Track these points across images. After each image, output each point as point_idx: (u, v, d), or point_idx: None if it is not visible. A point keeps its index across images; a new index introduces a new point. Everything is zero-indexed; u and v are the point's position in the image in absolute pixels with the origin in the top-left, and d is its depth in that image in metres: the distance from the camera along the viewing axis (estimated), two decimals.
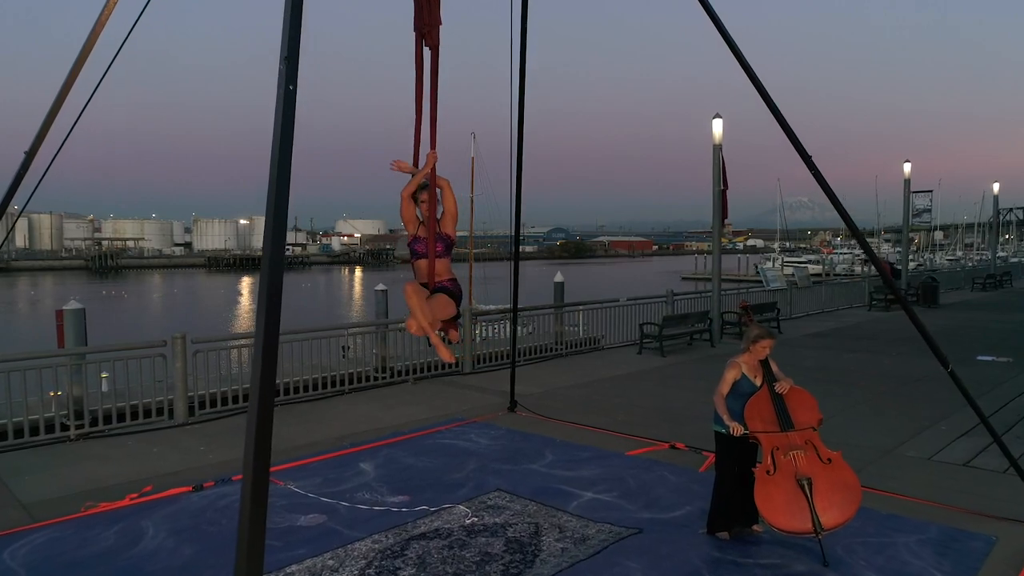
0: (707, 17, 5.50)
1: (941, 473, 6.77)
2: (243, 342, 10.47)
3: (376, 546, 5.23)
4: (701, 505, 5.81)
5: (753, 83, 5.32)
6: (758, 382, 5.23)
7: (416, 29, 4.82)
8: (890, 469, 6.83)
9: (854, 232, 6.23)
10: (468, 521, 5.69)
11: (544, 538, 5.35)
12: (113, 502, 6.12)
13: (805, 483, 4.92)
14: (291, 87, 2.37)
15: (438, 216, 4.84)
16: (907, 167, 25.08)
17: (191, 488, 6.44)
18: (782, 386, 5.16)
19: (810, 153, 5.53)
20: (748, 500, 5.09)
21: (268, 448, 2.72)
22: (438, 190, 4.82)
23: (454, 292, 4.80)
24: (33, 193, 5.42)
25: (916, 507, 5.90)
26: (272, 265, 2.39)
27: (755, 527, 5.35)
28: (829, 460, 5.02)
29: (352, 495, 6.28)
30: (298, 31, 2.35)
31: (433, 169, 4.78)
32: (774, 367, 5.28)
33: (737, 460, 5.26)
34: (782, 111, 5.47)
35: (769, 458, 5.03)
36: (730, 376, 5.28)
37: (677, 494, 6.23)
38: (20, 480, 6.75)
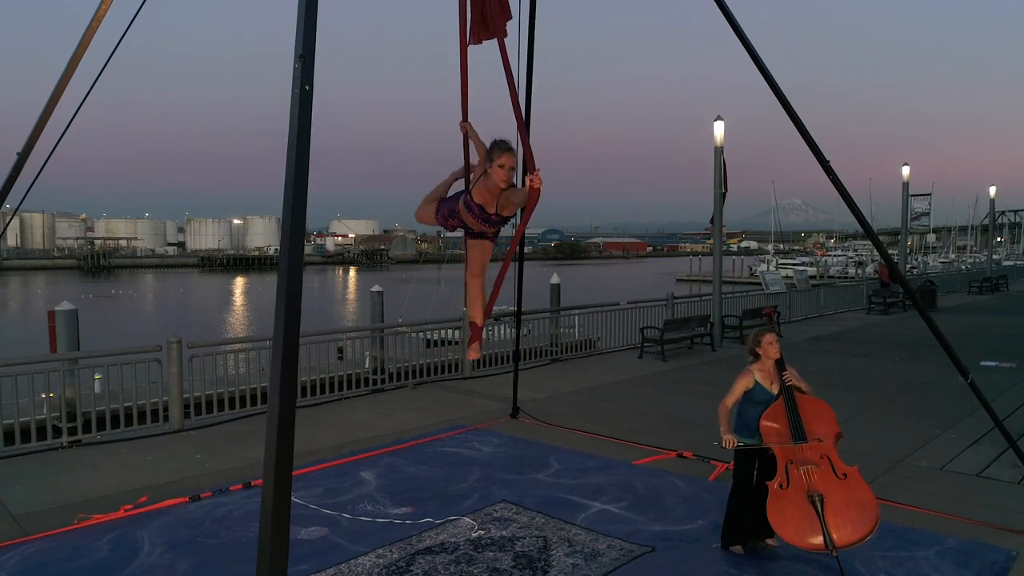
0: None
1: (955, 484, 6.64)
2: (240, 346, 10.28)
3: (380, 561, 5.06)
4: (714, 518, 5.67)
5: (771, 86, 5.19)
6: (774, 390, 5.08)
7: (474, 35, 4.69)
8: (903, 480, 6.70)
9: (873, 240, 6.10)
10: (474, 534, 5.53)
11: (554, 552, 5.19)
12: (107, 514, 5.93)
13: (817, 499, 4.77)
14: (307, 87, 2.19)
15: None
16: (906, 170, 25.05)
17: (187, 499, 6.26)
18: (790, 375, 5.03)
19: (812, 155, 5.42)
20: (762, 513, 4.95)
21: (290, 458, 2.58)
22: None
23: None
24: (26, 194, 5.25)
25: (932, 519, 5.76)
26: (291, 270, 2.22)
27: (769, 541, 5.20)
28: (845, 475, 4.87)
29: (354, 506, 6.11)
30: (313, 28, 2.18)
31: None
32: (791, 374, 5.11)
33: (756, 472, 5.12)
34: (781, 91, 5.34)
35: (783, 472, 4.89)
36: (740, 386, 5.13)
37: (688, 506, 6.08)
38: (10, 490, 6.55)
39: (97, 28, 5.25)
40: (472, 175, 4.45)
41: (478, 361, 12.43)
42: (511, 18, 4.76)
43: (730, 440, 4.97)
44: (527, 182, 4.10)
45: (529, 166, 4.37)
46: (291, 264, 2.13)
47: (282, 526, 2.62)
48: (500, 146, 4.27)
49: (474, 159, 4.86)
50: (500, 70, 4.73)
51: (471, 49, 4.88)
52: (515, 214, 4.57)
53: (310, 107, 2.23)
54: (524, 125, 4.62)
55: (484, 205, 4.37)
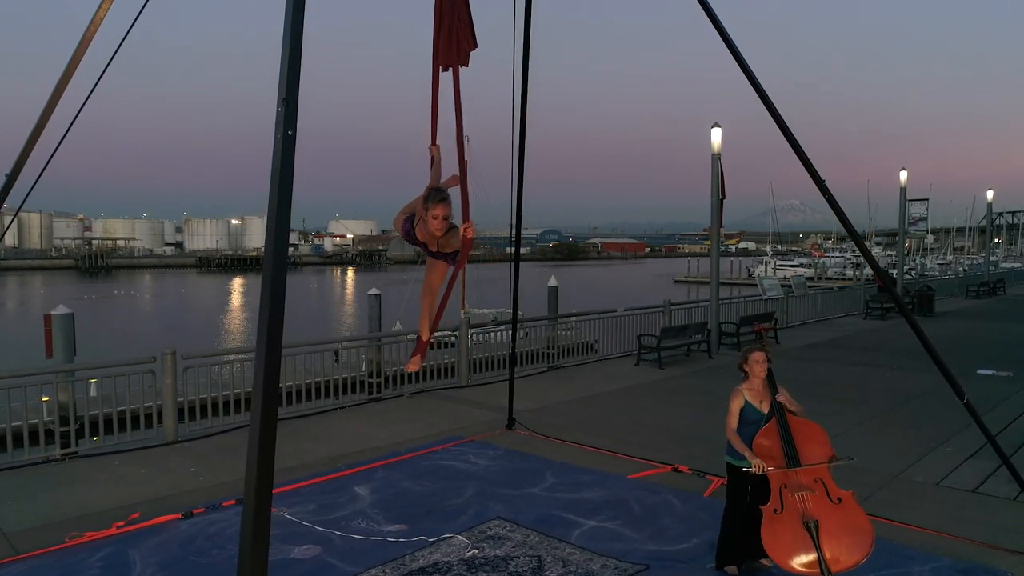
0: (705, 20, 5.38)
1: (950, 500, 6.62)
2: (236, 357, 10.26)
3: None
4: (709, 536, 5.64)
5: (766, 105, 5.17)
6: (764, 408, 5.06)
7: (441, 62, 4.67)
8: (899, 496, 6.68)
9: (866, 255, 6.09)
10: (468, 554, 5.50)
11: (547, 573, 5.16)
12: (99, 531, 5.89)
13: (812, 525, 4.74)
14: (290, 132, 2.16)
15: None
16: (903, 175, 25.04)
17: (180, 515, 6.22)
18: (782, 396, 5.01)
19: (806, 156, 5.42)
20: (756, 534, 4.93)
21: (270, 477, 2.59)
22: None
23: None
24: (27, 197, 5.23)
25: (928, 538, 5.74)
26: (272, 317, 2.20)
27: (763, 561, 5.18)
28: (839, 500, 4.84)
29: (348, 524, 6.08)
30: (297, 73, 2.15)
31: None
32: (783, 396, 5.08)
33: (749, 493, 5.10)
34: (777, 112, 5.34)
35: (777, 496, 4.87)
36: (735, 406, 5.12)
37: (683, 523, 6.06)
38: (4, 506, 6.51)
39: (95, 32, 5.24)
40: (416, 213, 4.49)
41: (474, 367, 12.42)
42: (476, 47, 4.78)
43: (760, 465, 4.87)
44: (461, 230, 4.27)
45: (464, 215, 4.47)
46: (271, 325, 2.11)
47: (262, 544, 2.64)
48: (434, 196, 4.33)
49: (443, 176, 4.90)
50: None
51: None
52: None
53: (293, 152, 2.19)
54: (466, 171, 4.70)
55: (426, 243, 4.49)
